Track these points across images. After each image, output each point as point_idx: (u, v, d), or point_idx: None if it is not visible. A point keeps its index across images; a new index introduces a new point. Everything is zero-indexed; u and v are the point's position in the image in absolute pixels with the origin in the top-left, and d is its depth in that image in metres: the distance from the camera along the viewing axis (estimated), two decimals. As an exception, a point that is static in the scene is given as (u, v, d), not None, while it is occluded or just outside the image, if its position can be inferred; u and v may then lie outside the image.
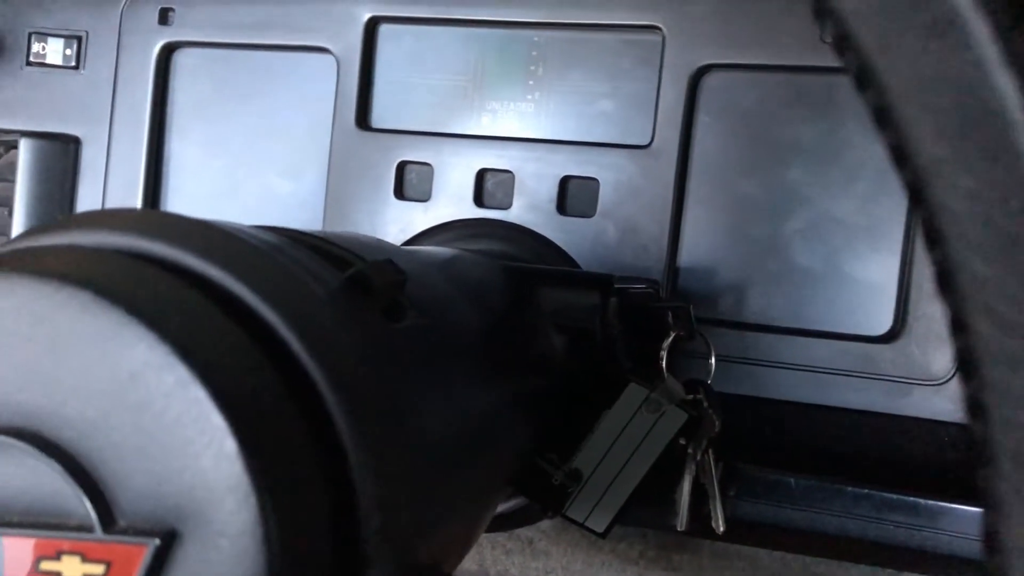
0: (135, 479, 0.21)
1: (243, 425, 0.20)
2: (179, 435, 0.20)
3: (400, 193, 0.54)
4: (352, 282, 0.26)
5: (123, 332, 0.21)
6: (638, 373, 0.43)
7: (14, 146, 0.62)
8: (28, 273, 0.21)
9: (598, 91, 0.51)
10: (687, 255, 0.50)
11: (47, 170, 0.60)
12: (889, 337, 0.47)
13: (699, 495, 0.43)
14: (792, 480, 0.43)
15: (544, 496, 0.42)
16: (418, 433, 0.26)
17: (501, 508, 0.44)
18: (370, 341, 0.25)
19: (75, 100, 0.60)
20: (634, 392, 0.42)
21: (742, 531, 0.43)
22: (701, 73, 0.49)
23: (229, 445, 0.20)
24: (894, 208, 0.48)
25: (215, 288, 0.23)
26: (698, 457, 0.42)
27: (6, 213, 0.62)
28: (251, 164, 0.57)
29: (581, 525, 0.43)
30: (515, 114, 0.53)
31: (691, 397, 0.43)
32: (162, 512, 0.20)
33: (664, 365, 0.43)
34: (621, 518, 0.42)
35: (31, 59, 0.60)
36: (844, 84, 0.49)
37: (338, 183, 0.55)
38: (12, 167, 0.62)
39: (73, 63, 0.59)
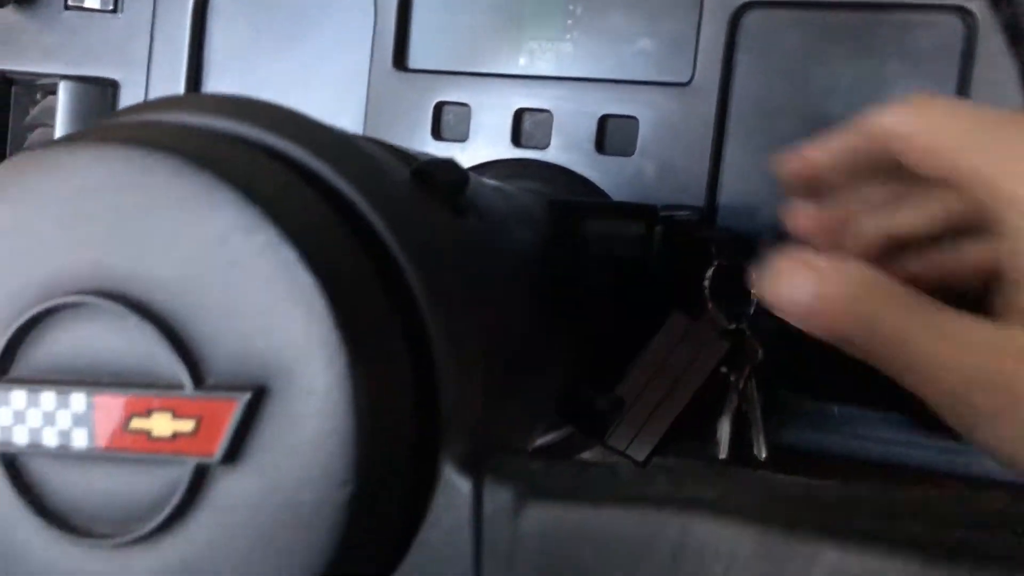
0: (224, 338, 0.21)
1: (331, 283, 0.21)
2: (268, 294, 0.21)
3: (437, 134, 0.54)
4: (419, 174, 0.27)
5: (213, 195, 0.21)
6: (682, 303, 0.44)
7: (52, 91, 0.62)
8: (117, 143, 0.22)
9: (638, 29, 0.51)
10: (726, 194, 0.50)
11: (86, 114, 0.60)
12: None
13: (740, 424, 0.43)
14: (835, 408, 0.43)
15: (587, 423, 0.43)
16: (483, 322, 0.26)
17: (545, 439, 0.45)
18: (440, 227, 0.25)
19: (113, 44, 0.60)
20: (677, 321, 0.43)
21: (783, 459, 0.43)
22: (742, 11, 0.49)
23: (318, 302, 0.20)
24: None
25: (297, 164, 0.23)
26: (740, 386, 0.43)
27: (43, 158, 0.62)
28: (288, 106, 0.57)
29: (622, 453, 0.43)
30: (553, 53, 0.53)
31: (733, 326, 0.43)
32: (251, 370, 0.21)
33: (708, 295, 0.43)
34: (662, 448, 0.43)
35: (69, 3, 0.60)
36: (886, 22, 0.49)
37: (375, 125, 0.55)
38: (50, 112, 0.63)
39: (111, 6, 0.59)
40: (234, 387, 0.21)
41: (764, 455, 0.42)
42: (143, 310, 0.21)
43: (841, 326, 0.27)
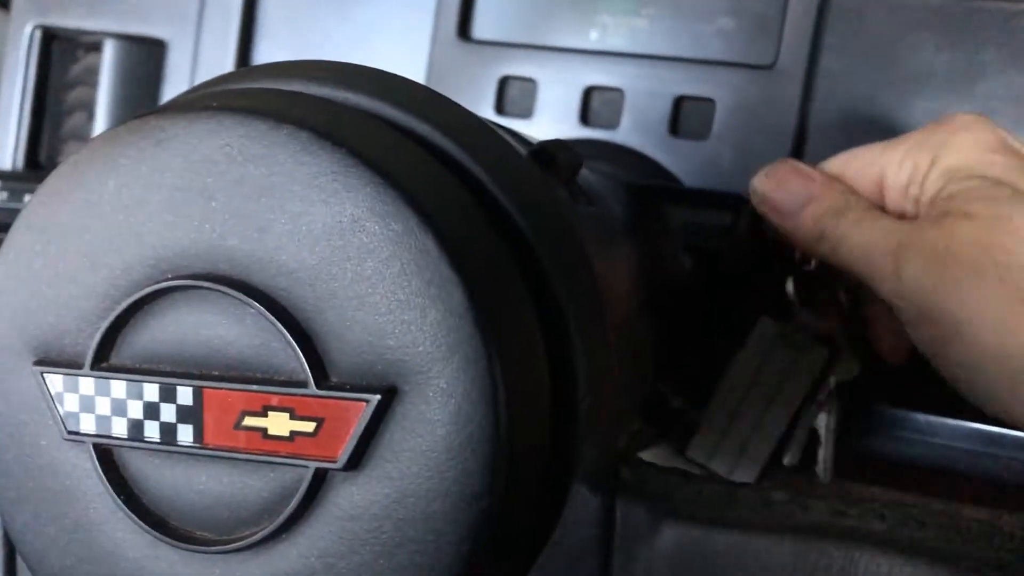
0: (352, 332, 0.19)
1: (473, 277, 0.19)
2: (404, 286, 0.19)
3: (501, 109, 0.52)
4: (539, 154, 0.25)
5: (347, 175, 0.19)
6: (765, 304, 0.41)
7: (95, 48, 0.60)
8: (239, 111, 0.20)
9: (718, 7, 0.49)
10: (803, 184, 0.48)
11: (131, 74, 0.58)
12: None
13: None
14: (922, 417, 0.41)
15: (660, 422, 0.41)
16: (611, 318, 0.24)
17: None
18: (566, 213, 0.23)
19: (162, 2, 0.58)
20: (765, 326, 0.40)
21: (864, 469, 0.41)
22: (831, -8, 0.47)
23: (459, 297, 0.19)
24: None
25: (428, 142, 0.21)
26: (823, 398, 0.40)
27: (86, 117, 0.61)
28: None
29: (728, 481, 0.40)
30: (627, 28, 0.51)
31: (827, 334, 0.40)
32: (381, 368, 0.19)
33: (794, 297, 0.41)
34: (770, 469, 0.39)
35: (118, -43, 0.58)
36: (981, 10, 0.46)
37: (436, 97, 0.53)
38: (91, 70, 0.60)
39: (162, -38, 0.57)
40: (362, 387, 0.19)
41: (827, 478, 0.40)
42: (263, 298, 0.19)
43: (816, 230, 0.34)
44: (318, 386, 0.19)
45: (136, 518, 0.20)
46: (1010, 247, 0.30)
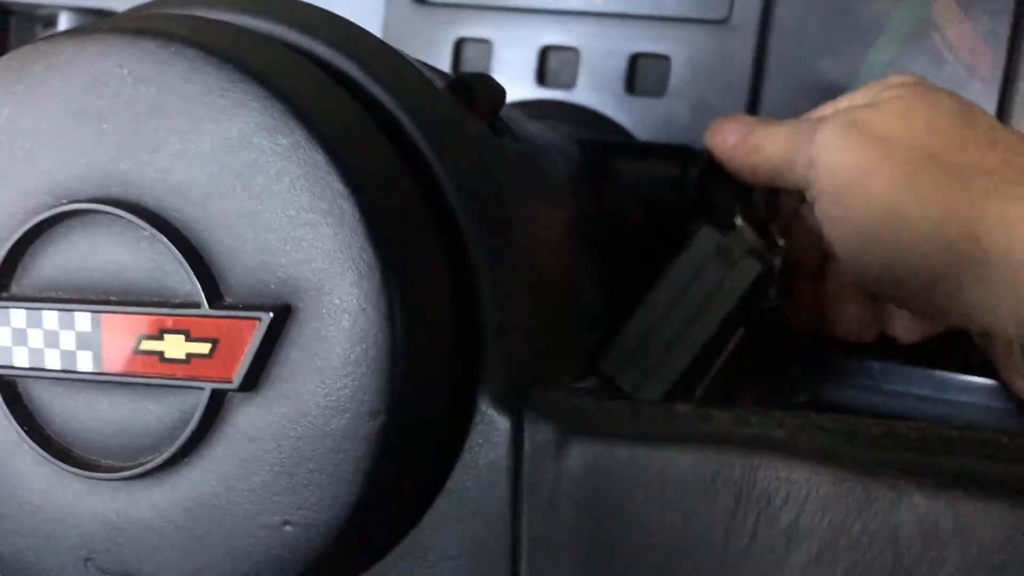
0: (244, 251, 0.19)
1: (364, 191, 0.18)
2: (294, 202, 0.19)
3: (457, 71, 0.52)
4: (457, 86, 0.25)
5: (234, 91, 0.19)
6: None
7: (52, 22, 0.60)
8: (128, 33, 0.19)
9: (672, -37, 0.49)
10: (760, 139, 0.48)
11: (89, 46, 0.58)
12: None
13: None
14: (876, 364, 0.41)
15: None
16: (525, 246, 0.24)
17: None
18: (479, 141, 0.23)
19: (117, -27, 0.57)
20: (706, 238, 0.37)
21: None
22: (784, -57, 0.47)
23: (350, 212, 0.18)
24: (983, 90, 0.45)
25: (326, 64, 0.21)
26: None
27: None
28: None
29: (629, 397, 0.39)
30: (582, -12, 0.50)
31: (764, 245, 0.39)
32: (274, 286, 0.19)
33: (738, 211, 0.39)
34: (683, 389, 0.39)
35: (72, -71, 0.57)
36: (935, -41, 0.46)
37: (393, 62, 0.53)
38: (52, 45, 0.60)
39: (116, -67, 0.56)
40: (255, 306, 0.19)
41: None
42: (154, 219, 0.19)
43: (749, 144, 0.39)
44: (211, 306, 0.19)
45: (40, 449, 0.20)
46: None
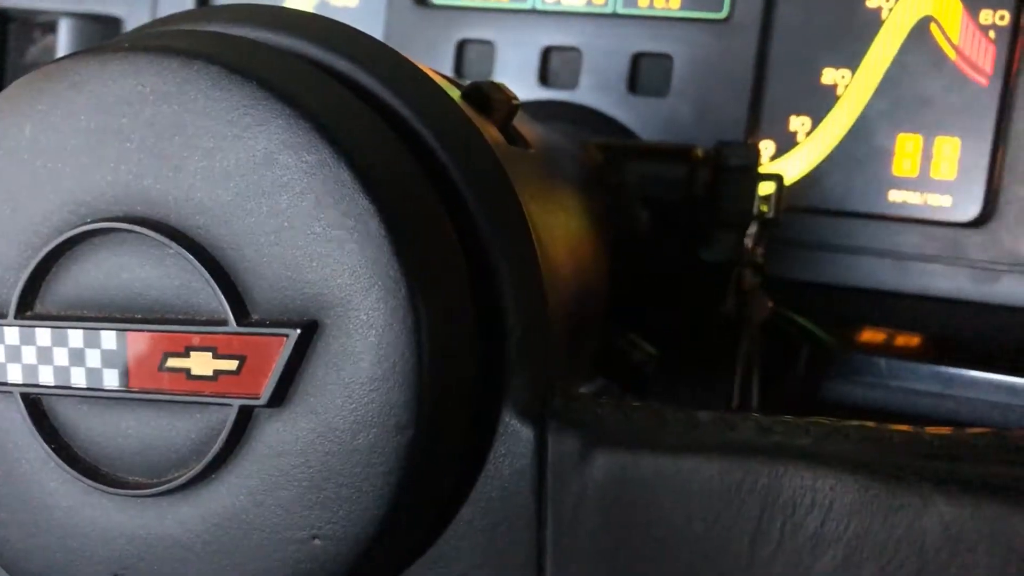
0: (270, 268, 0.19)
1: (390, 208, 0.19)
2: (320, 219, 0.19)
3: (460, 74, 0.52)
4: (473, 95, 0.25)
5: (258, 109, 0.19)
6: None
7: (52, 29, 0.60)
8: (151, 50, 0.19)
9: (673, -37, 0.49)
10: (764, 136, 0.48)
11: (89, 51, 0.58)
12: (978, 222, 0.46)
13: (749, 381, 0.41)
14: (883, 361, 0.41)
15: (621, 376, 0.41)
16: (545, 257, 0.24)
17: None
18: (497, 151, 0.23)
19: (117, -22, 0.57)
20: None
21: (829, 413, 0.42)
22: (785, -58, 0.47)
23: (376, 228, 0.18)
24: (984, 85, 0.45)
25: (348, 79, 0.21)
26: (751, 338, 0.40)
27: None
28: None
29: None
30: (584, -12, 0.50)
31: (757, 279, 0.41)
32: (300, 302, 0.19)
33: (750, 248, 0.41)
34: None
35: (70, -66, 0.57)
36: (935, -44, 0.46)
37: (395, 64, 0.53)
38: (50, 51, 0.60)
39: (115, -63, 0.56)
40: (282, 322, 0.19)
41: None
42: (180, 238, 0.19)
43: None
44: (238, 323, 0.19)
45: (67, 466, 0.20)
46: None
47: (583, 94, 0.50)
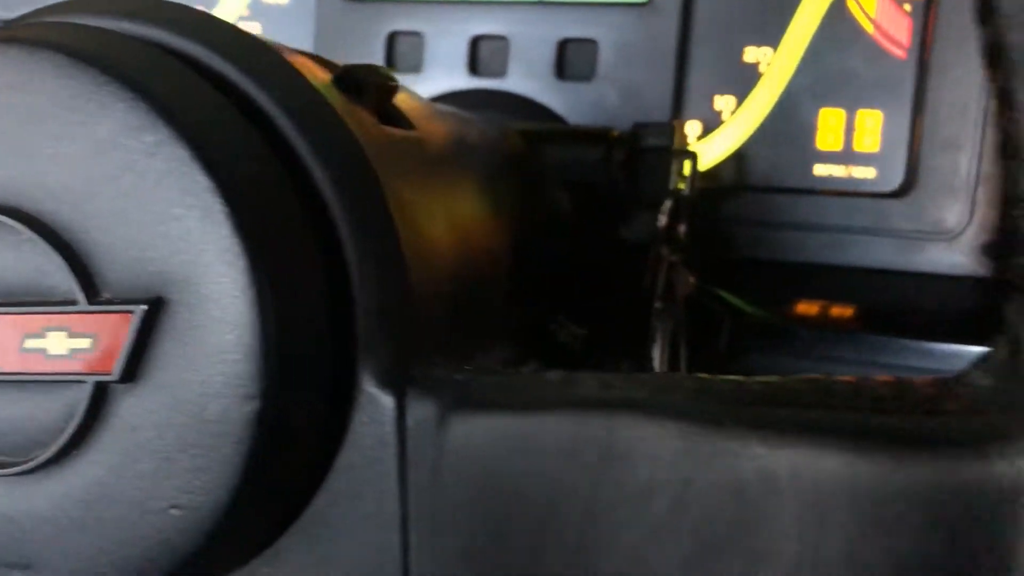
0: (118, 248, 0.20)
1: (230, 184, 0.19)
2: (161, 197, 0.19)
3: (391, 66, 0.53)
4: (343, 79, 0.25)
5: (100, 93, 0.19)
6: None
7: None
8: (11, 41, 0.20)
9: (595, -51, 0.49)
10: (690, 116, 0.49)
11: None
12: (901, 192, 0.46)
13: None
14: (803, 331, 0.42)
15: (550, 357, 0.41)
16: (409, 228, 0.24)
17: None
18: (362, 130, 0.24)
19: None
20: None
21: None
22: (702, -76, 0.47)
23: (216, 205, 0.19)
24: (901, 59, 0.46)
25: (194, 61, 0.22)
26: (673, 315, 0.41)
27: None
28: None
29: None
30: (509, -23, 0.51)
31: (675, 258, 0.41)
32: (147, 280, 0.19)
33: (661, 226, 0.41)
34: None
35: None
36: (851, -68, 0.47)
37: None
38: None
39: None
40: (130, 300, 0.19)
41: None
42: (32, 222, 0.20)
43: None
44: (89, 302, 0.20)
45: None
46: None
47: (512, 82, 0.51)
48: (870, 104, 0.47)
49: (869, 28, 0.47)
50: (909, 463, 0.17)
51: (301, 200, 0.21)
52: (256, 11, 0.55)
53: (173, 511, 0.20)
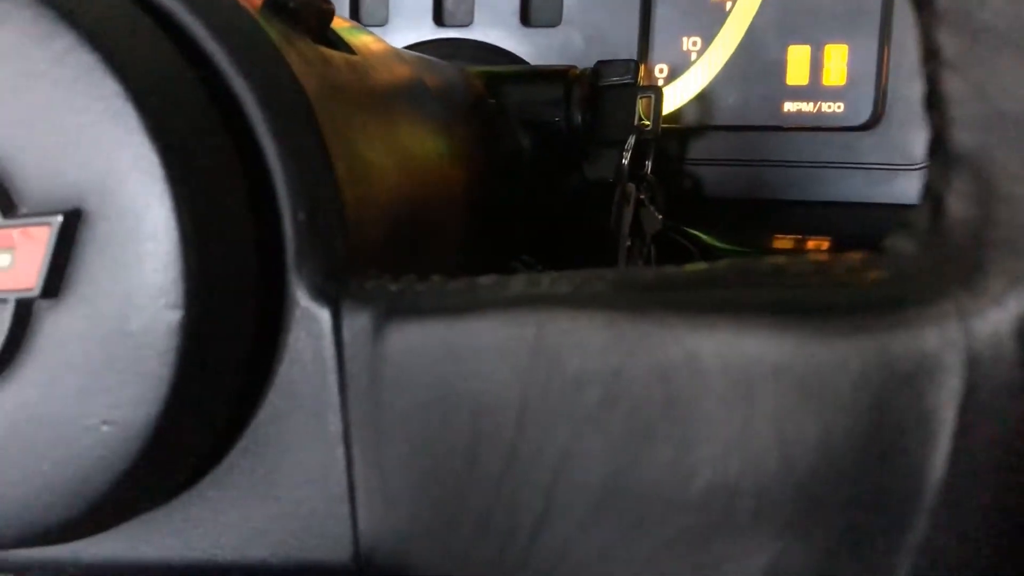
0: (34, 161, 0.19)
1: (142, 89, 0.19)
2: (74, 107, 0.19)
3: (356, 18, 0.52)
4: (274, 4, 0.25)
5: (4, 5, 0.19)
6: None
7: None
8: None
9: None
10: (658, 59, 0.48)
11: None
12: (869, 124, 0.46)
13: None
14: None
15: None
16: (344, 150, 0.24)
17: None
18: (290, 48, 0.24)
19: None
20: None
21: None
22: None
23: (127, 110, 0.19)
24: (869, -10, 0.46)
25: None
26: (642, 252, 0.41)
27: None
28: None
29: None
30: (470, -75, 0.50)
31: (642, 196, 0.41)
32: (64, 192, 0.19)
33: (625, 163, 0.41)
34: None
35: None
36: None
37: (293, 17, 0.53)
38: None
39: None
40: (46, 212, 0.19)
41: None
42: (-55, 138, 0.19)
43: None
44: (5, 216, 0.19)
45: None
46: None
47: (478, 30, 0.50)
48: (836, 39, 0.46)
49: (834, -41, 0.46)
50: (830, 334, 0.16)
51: (220, 109, 0.21)
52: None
53: (104, 427, 0.20)
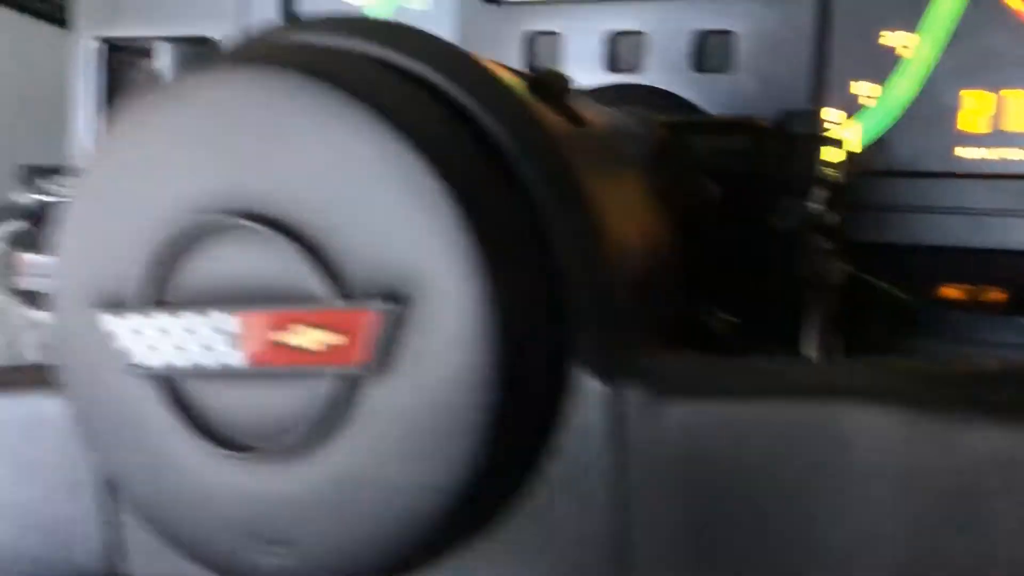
0: (362, 250, 0.22)
1: (457, 188, 0.21)
2: (400, 204, 0.21)
3: (529, 65, 0.54)
4: (535, 85, 0.27)
5: (339, 111, 0.21)
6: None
7: (146, 54, 0.64)
8: (251, 67, 0.22)
9: (730, -59, 0.50)
10: (831, 104, 0.49)
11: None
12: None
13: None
14: (963, 316, 0.42)
15: (701, 344, 0.42)
16: (599, 220, 0.26)
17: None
18: (560, 133, 0.25)
19: (204, 6, 0.61)
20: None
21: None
22: (841, -90, 0.47)
23: (447, 208, 0.21)
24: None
25: (418, 77, 0.23)
26: (828, 303, 0.41)
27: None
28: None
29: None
30: (644, -27, 0.52)
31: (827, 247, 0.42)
32: (391, 280, 0.21)
33: (812, 213, 0.41)
34: None
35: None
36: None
37: (467, 61, 0.55)
38: (153, 73, 0.64)
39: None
40: (379, 298, 0.21)
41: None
42: (283, 228, 0.22)
43: None
44: (340, 300, 0.22)
45: (205, 438, 0.23)
46: None
47: (650, 76, 0.52)
48: (1015, 84, 0.46)
49: (1014, 4, 0.46)
50: None
51: (517, 200, 0.23)
52: (401, 15, 0.57)
53: (419, 491, 0.22)
